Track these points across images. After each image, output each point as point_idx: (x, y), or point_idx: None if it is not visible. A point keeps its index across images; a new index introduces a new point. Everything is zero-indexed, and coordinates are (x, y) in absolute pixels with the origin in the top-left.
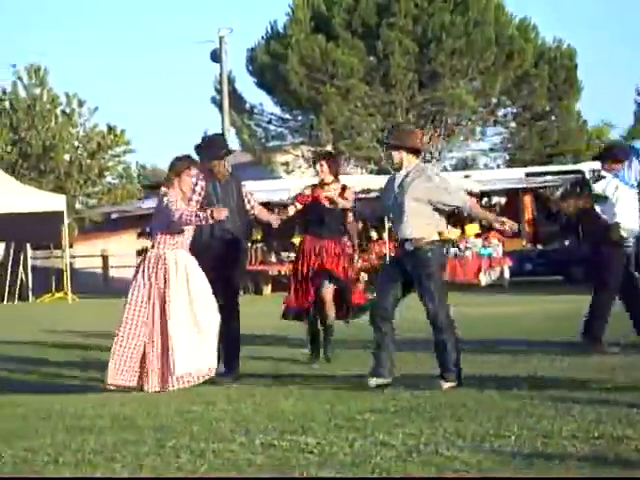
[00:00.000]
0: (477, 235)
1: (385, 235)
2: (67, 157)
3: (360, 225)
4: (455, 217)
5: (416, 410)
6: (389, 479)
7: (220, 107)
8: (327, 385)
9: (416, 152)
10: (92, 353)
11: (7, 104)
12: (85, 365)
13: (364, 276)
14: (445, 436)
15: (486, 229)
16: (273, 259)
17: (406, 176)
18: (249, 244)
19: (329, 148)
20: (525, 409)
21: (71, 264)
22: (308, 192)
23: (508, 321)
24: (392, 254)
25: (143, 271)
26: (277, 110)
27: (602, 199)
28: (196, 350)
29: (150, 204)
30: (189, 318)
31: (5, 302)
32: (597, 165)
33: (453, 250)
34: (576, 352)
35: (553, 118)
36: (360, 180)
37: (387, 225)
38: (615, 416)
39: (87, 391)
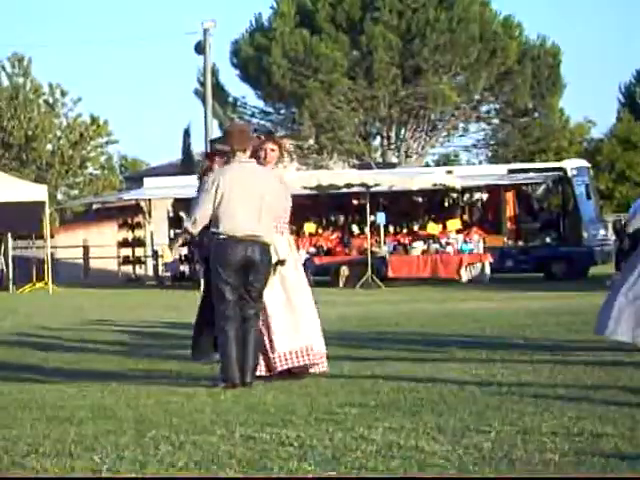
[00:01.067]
0: (458, 231)
1: (367, 229)
2: (49, 147)
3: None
4: (436, 212)
5: (396, 405)
6: (368, 479)
7: (203, 99)
8: (310, 377)
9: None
10: (72, 343)
11: None
12: (65, 356)
13: (345, 270)
14: (426, 431)
15: (467, 225)
16: None
17: None
18: None
19: (311, 142)
20: (505, 405)
21: (52, 254)
22: None
23: (489, 317)
24: (372, 249)
25: None
26: (260, 103)
27: None
28: (294, 329)
29: (131, 195)
30: (283, 298)
31: None
32: (580, 162)
33: (434, 246)
34: (556, 349)
35: (536, 115)
36: (342, 174)
37: (369, 219)
38: (595, 413)
39: (67, 381)
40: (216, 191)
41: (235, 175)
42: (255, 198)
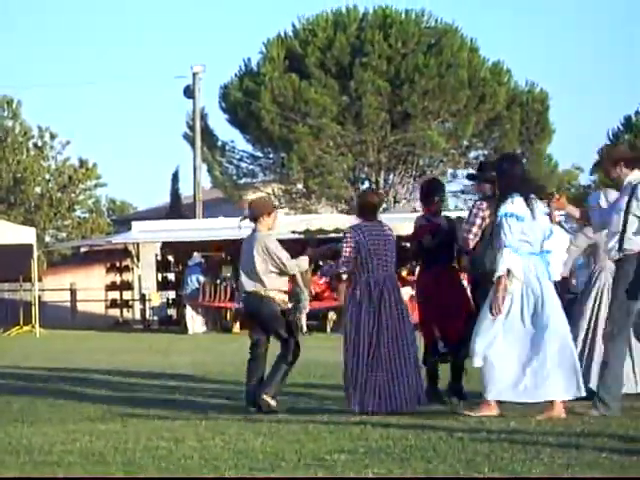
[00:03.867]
0: None
1: None
2: (38, 190)
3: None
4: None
5: (385, 451)
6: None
7: (192, 143)
8: (298, 423)
9: None
10: (59, 386)
11: None
12: (53, 399)
13: (333, 315)
14: (415, 478)
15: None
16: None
17: None
18: (218, 280)
19: (300, 186)
20: (495, 452)
21: (39, 297)
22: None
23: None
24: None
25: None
26: (249, 147)
27: None
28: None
29: (120, 239)
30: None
31: None
32: None
33: (407, 291)
34: None
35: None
36: (330, 219)
37: None
38: (584, 460)
39: (55, 425)
40: None
41: (245, 243)
42: (253, 260)
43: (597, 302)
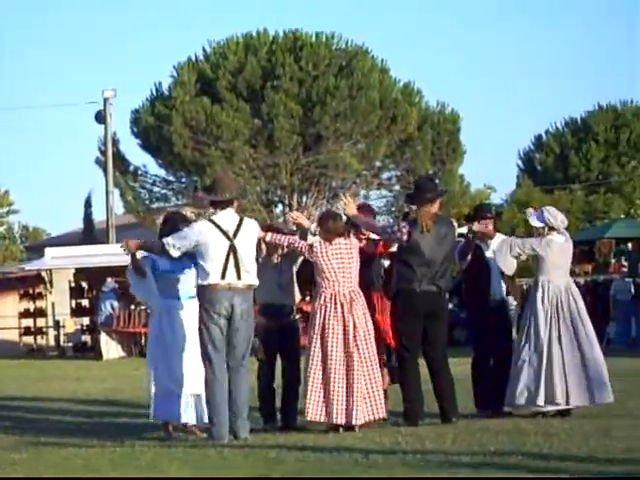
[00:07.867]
0: None
1: None
2: None
3: None
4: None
5: (302, 474)
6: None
7: (104, 168)
8: (214, 448)
9: None
10: None
11: None
12: None
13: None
14: None
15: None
16: None
17: None
18: (132, 306)
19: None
20: (411, 473)
21: None
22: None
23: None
24: None
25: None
26: (161, 172)
27: None
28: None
29: (33, 265)
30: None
31: None
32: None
33: None
34: (463, 416)
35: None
36: None
37: None
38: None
39: None
40: None
41: None
42: None
43: (549, 315)
